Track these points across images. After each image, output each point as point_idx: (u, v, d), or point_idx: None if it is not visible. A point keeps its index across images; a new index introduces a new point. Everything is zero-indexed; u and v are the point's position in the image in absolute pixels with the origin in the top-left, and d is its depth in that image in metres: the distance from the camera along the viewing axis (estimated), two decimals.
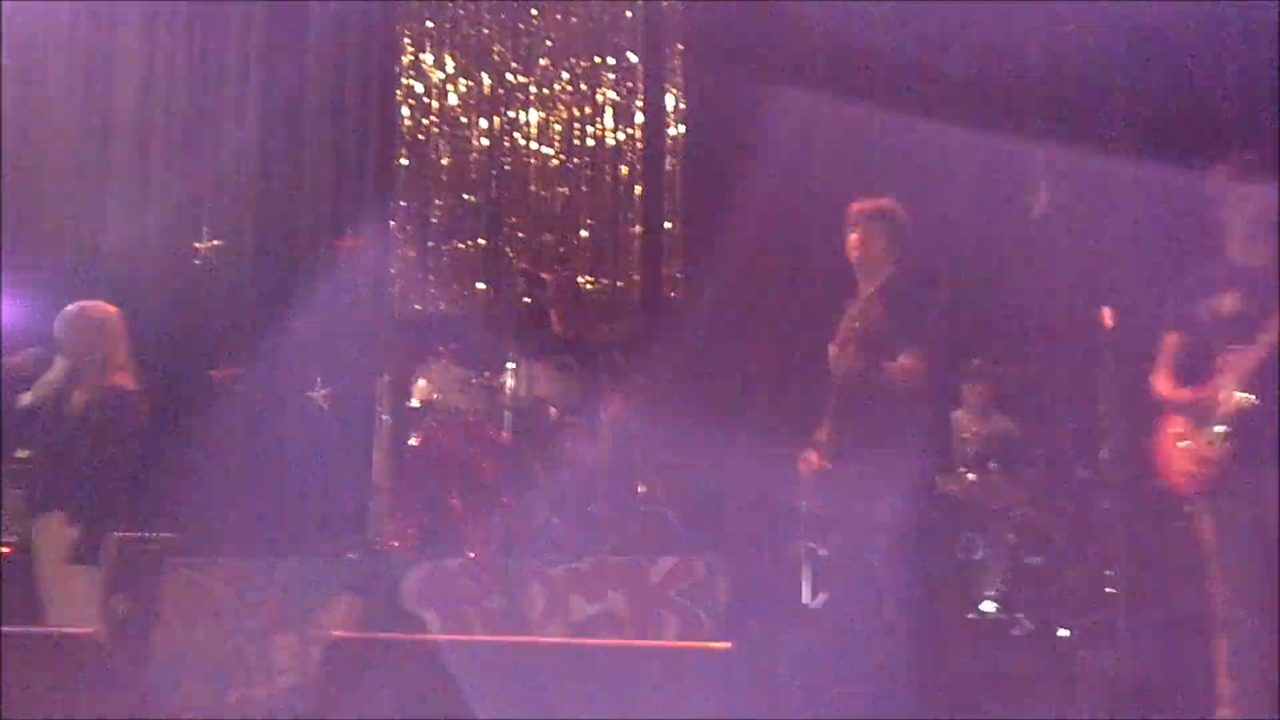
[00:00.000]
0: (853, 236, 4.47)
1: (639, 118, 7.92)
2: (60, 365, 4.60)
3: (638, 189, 7.88)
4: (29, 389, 4.62)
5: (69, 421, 4.48)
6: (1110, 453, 5.80)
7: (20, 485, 6.76)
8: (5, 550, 6.71)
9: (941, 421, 4.60)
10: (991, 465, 6.08)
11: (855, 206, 4.53)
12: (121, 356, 4.63)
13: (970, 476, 6.10)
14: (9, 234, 8.25)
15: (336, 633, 4.21)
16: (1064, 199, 7.14)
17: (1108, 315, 5.69)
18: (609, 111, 7.98)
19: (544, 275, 4.49)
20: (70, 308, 4.67)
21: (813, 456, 4.49)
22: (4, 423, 4.70)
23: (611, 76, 8.00)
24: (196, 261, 8.31)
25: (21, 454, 6.81)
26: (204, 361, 8.09)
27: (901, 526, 4.22)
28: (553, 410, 6.08)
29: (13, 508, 6.95)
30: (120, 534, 5.20)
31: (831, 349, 4.14)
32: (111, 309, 4.70)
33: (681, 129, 7.88)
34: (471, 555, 5.69)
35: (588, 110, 8.02)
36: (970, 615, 5.57)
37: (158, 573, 5.74)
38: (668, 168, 7.86)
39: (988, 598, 5.59)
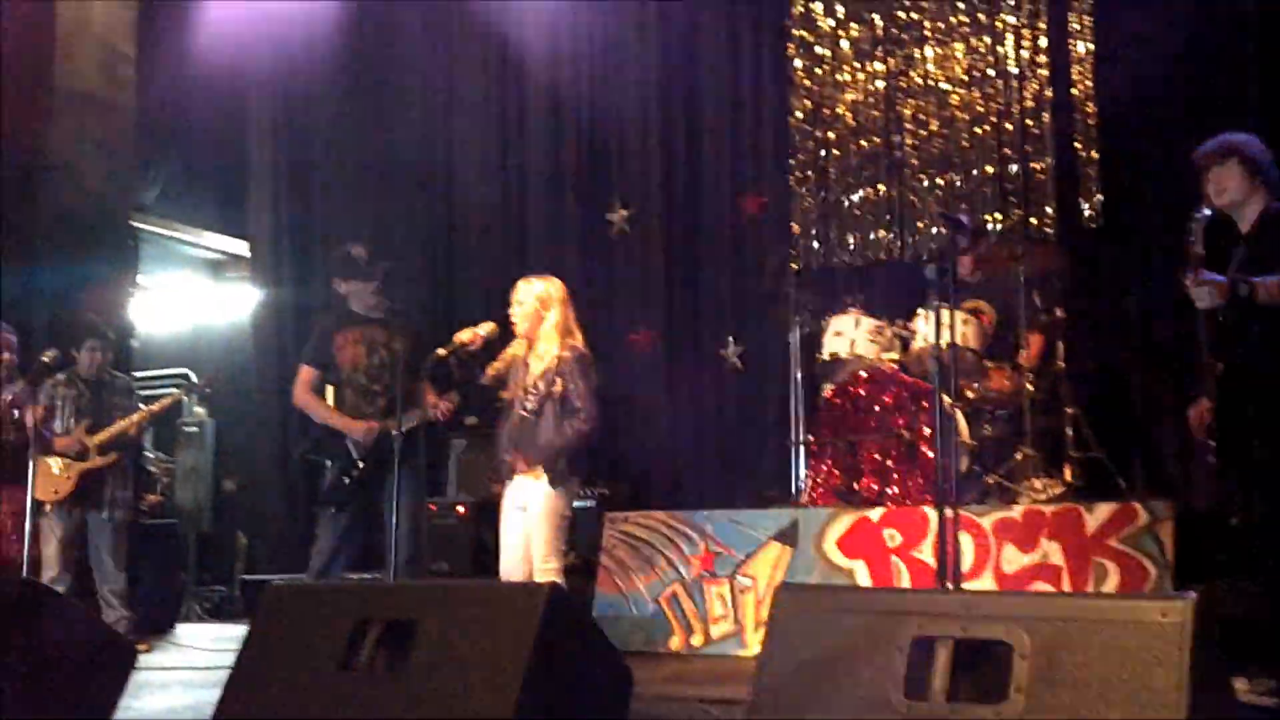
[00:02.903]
0: (1208, 182, 4.19)
1: (1043, 41, 7.51)
2: (519, 338, 4.92)
3: (1045, 117, 7.48)
4: (470, 363, 4.96)
5: (536, 389, 4.79)
6: None
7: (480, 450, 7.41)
8: (461, 510, 7.40)
9: None
10: None
11: (1198, 152, 4.26)
12: (568, 321, 4.92)
13: None
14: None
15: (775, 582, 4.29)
16: None
17: None
18: (1010, 39, 7.61)
19: (959, 216, 4.33)
20: (522, 282, 4.99)
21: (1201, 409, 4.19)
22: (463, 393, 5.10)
23: (1011, 1, 7.62)
24: (610, 233, 8.73)
25: (470, 420, 7.47)
26: (622, 326, 8.51)
27: None
28: (967, 355, 5.91)
29: (471, 469, 7.64)
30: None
31: (1188, 280, 3.85)
32: (555, 279, 4.98)
33: (1089, 47, 7.39)
34: (894, 505, 5.66)
35: (987, 40, 7.68)
36: None
37: (598, 526, 6.12)
38: (1076, 92, 7.40)
39: None
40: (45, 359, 5.49)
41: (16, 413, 5.91)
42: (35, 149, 7.43)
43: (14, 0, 7.39)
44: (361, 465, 5.40)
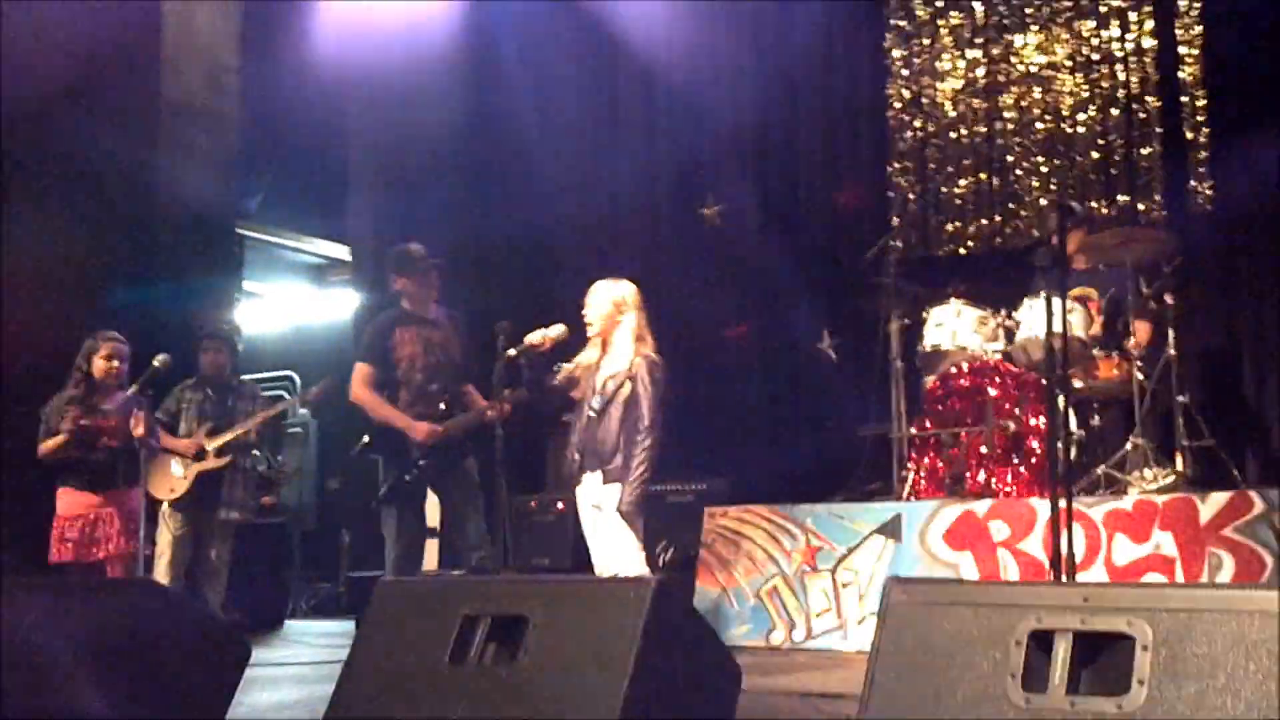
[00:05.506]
0: None
1: (1149, 24, 7.32)
2: (592, 339, 4.91)
3: (1152, 101, 7.29)
4: (551, 366, 4.96)
5: (605, 391, 4.78)
6: None
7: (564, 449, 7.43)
8: (560, 506, 7.43)
9: None
10: None
11: None
12: (641, 327, 4.88)
13: None
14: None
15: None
16: None
17: None
18: (1115, 22, 7.42)
19: (1070, 203, 4.23)
20: (598, 283, 4.97)
21: None
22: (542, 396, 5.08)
23: None
24: (703, 227, 8.70)
25: (566, 418, 7.49)
26: (716, 321, 8.47)
27: None
28: (1075, 344, 5.77)
29: (558, 470, 7.64)
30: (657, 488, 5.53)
31: None
32: (629, 283, 4.95)
33: (1198, 30, 7.19)
34: (999, 497, 5.56)
35: (1091, 23, 7.50)
36: None
37: (697, 521, 6.09)
38: (1185, 75, 7.20)
39: None
40: (156, 364, 5.60)
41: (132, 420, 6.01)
42: (143, 161, 7.60)
43: (121, 14, 7.56)
44: (421, 465, 5.41)
